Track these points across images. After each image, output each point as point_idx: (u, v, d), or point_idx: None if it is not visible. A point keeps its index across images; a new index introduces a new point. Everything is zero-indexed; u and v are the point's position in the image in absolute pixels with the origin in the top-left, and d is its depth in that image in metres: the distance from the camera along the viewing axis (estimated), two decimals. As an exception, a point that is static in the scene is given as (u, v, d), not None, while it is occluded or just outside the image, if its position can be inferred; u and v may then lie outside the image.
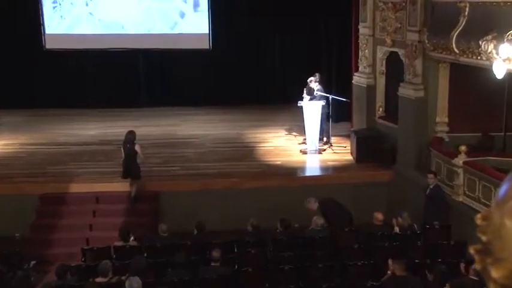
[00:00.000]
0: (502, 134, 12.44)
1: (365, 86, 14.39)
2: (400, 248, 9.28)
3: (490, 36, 9.97)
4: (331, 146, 14.54)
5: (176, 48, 17.89)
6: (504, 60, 9.56)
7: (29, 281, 9.33)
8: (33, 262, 10.07)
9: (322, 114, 14.15)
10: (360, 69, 14.66)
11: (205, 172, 13.20)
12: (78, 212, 12.25)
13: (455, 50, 10.84)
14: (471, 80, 11.73)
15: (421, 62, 12.41)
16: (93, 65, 18.18)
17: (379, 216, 10.31)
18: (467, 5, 10.72)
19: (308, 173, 13.87)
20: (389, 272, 8.16)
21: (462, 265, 8.02)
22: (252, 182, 12.79)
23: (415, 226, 10.22)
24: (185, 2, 18.03)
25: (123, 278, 8.28)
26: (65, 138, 15.58)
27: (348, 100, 14.73)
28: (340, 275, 8.86)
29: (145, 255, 9.38)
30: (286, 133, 15.91)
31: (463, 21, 10.80)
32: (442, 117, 12.59)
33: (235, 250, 9.49)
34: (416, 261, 8.78)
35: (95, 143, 15.10)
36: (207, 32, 17.96)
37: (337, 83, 16.34)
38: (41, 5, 17.73)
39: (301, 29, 17.48)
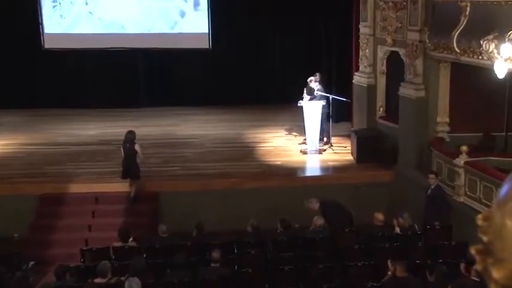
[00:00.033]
0: (504, 134, 12.41)
1: (365, 85, 14.35)
2: (401, 248, 9.24)
3: (491, 36, 9.93)
4: (332, 146, 14.50)
5: (176, 47, 17.85)
6: (505, 60, 9.52)
7: (28, 282, 9.32)
8: (32, 263, 10.03)
9: (322, 114, 14.11)
10: (360, 68, 14.62)
11: (205, 172, 13.16)
12: (77, 212, 12.20)
13: (456, 49, 10.79)
14: (472, 80, 11.68)
15: (422, 62, 12.37)
16: (92, 65, 18.15)
17: (380, 216, 10.28)
18: (468, 4, 10.67)
19: (308, 173, 13.83)
20: (389, 273, 8.12)
21: (463, 266, 7.99)
22: (252, 182, 12.74)
23: (416, 227, 10.18)
24: (185, 1, 17.99)
25: (122, 278, 8.26)
26: (64, 138, 15.54)
27: (349, 100, 14.70)
28: (340, 275, 8.82)
29: (144, 256, 9.35)
30: (286, 133, 15.87)
31: (464, 21, 10.75)
32: (443, 117, 12.55)
33: (235, 251, 9.46)
34: (417, 261, 8.75)
35: (94, 143, 15.07)
36: (207, 31, 17.91)
37: (338, 82, 16.30)
38: (40, 4, 17.68)
39: (301, 29, 17.45)
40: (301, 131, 14.90)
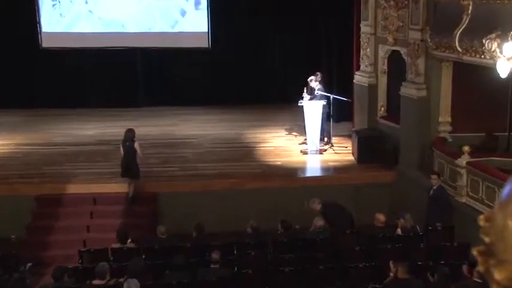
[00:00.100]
0: (506, 134, 12.33)
1: (366, 85, 14.28)
2: (403, 250, 9.16)
3: (493, 35, 9.85)
4: (332, 146, 14.43)
5: (175, 47, 17.77)
6: (508, 59, 9.43)
7: (25, 284, 9.24)
8: (29, 264, 9.96)
9: (323, 114, 14.04)
10: (361, 68, 14.55)
11: (205, 173, 13.08)
12: (75, 213, 12.11)
13: (458, 48, 10.71)
14: (474, 79, 11.61)
15: (424, 61, 12.29)
16: (91, 64, 18.07)
17: (381, 217, 10.21)
18: (471, 3, 10.59)
19: (309, 174, 13.75)
20: (391, 275, 8.04)
21: (465, 267, 7.92)
22: (252, 182, 12.66)
23: (418, 228, 10.10)
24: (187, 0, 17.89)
25: (121, 280, 8.21)
26: (62, 138, 15.45)
27: (349, 100, 14.63)
28: (341, 277, 8.76)
29: (143, 257, 9.28)
30: (287, 133, 15.79)
31: (466, 20, 10.66)
32: (445, 116, 12.48)
33: (235, 252, 9.40)
34: (419, 263, 8.68)
35: (93, 143, 14.98)
36: (207, 30, 17.82)
37: (338, 82, 16.22)
38: (38, 3, 17.59)
39: (301, 28, 17.38)
40: (302, 131, 14.83)
